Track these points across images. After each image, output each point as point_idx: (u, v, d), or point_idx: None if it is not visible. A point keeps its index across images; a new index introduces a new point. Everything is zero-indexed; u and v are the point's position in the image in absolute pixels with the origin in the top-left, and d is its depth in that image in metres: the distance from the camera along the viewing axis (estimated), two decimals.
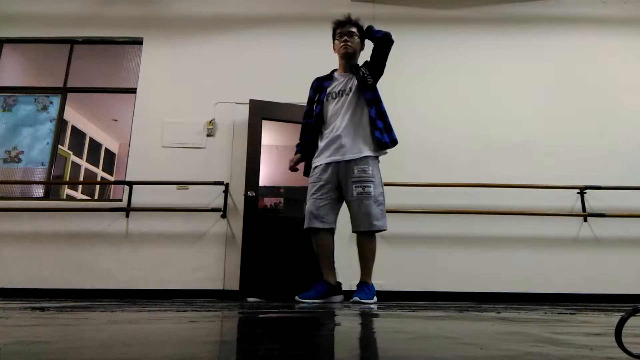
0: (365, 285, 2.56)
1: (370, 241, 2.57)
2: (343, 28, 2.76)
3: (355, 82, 2.68)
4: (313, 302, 2.52)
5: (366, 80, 2.62)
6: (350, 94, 2.67)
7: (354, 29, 2.76)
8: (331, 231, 2.67)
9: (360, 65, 2.74)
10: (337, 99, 2.71)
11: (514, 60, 4.55)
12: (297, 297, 2.58)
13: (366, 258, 2.58)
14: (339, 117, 2.65)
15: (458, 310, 1.91)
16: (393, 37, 2.65)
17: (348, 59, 2.75)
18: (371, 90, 2.64)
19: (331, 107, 2.71)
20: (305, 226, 2.67)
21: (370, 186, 2.51)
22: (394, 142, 2.67)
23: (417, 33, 4.65)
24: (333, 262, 2.70)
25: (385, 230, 2.55)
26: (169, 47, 4.59)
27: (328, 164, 2.62)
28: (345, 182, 2.57)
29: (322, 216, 2.61)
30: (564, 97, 4.42)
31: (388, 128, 2.66)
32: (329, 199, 2.62)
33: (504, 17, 4.69)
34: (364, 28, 2.80)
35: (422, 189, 4.06)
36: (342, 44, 2.73)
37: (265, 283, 3.74)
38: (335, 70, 2.88)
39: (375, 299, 2.57)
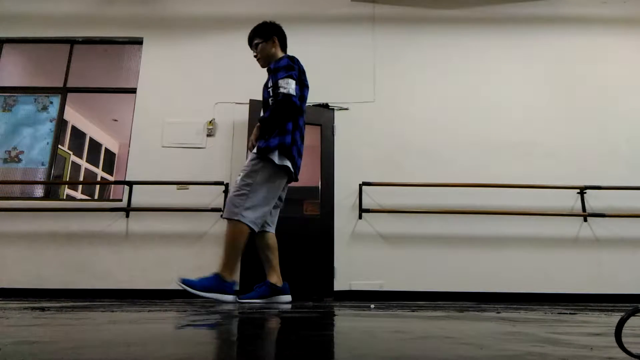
0: (215, 275, 2.45)
1: (229, 227, 2.47)
2: (250, 47, 2.85)
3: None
4: (255, 302, 2.50)
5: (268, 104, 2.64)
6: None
7: (256, 39, 2.80)
8: (264, 231, 2.66)
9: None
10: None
11: (514, 60, 4.55)
12: (237, 298, 2.55)
13: (224, 243, 2.50)
14: None
15: (458, 310, 1.91)
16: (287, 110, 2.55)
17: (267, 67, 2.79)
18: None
19: None
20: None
21: (240, 174, 2.54)
22: (279, 146, 2.53)
23: (417, 33, 4.65)
24: (273, 262, 2.67)
25: (235, 220, 2.44)
26: (169, 47, 4.59)
27: None
28: None
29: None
30: (564, 97, 4.42)
31: (281, 131, 2.55)
32: None
33: (503, 17, 4.69)
34: (267, 26, 2.84)
35: (422, 189, 4.06)
36: (256, 59, 2.83)
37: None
38: None
39: (216, 295, 2.42)
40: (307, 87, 2.75)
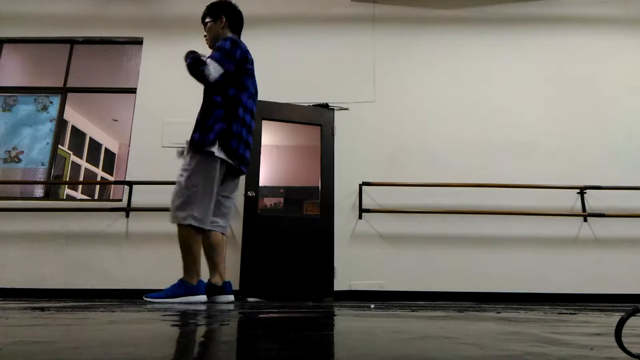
0: (179, 281, 2.46)
1: (179, 232, 2.45)
2: (203, 25, 2.75)
3: None
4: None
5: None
6: None
7: (206, 18, 2.71)
8: (209, 230, 2.61)
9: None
10: None
11: (514, 60, 4.55)
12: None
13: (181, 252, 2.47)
14: None
15: (458, 310, 1.91)
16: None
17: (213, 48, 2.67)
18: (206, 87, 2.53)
19: None
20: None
21: (182, 175, 2.45)
22: (198, 144, 2.43)
23: (417, 33, 4.65)
24: (215, 260, 2.63)
25: (181, 224, 2.40)
26: (169, 47, 4.59)
27: None
28: None
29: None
30: (564, 97, 4.42)
31: (204, 128, 2.45)
32: None
33: (504, 17, 4.69)
34: (216, 6, 2.72)
35: (422, 189, 4.06)
36: (205, 39, 2.75)
37: (265, 283, 3.74)
38: None
39: (182, 299, 2.40)
40: (252, 77, 2.65)
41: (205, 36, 2.74)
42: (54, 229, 4.01)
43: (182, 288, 2.45)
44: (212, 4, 2.73)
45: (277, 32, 4.65)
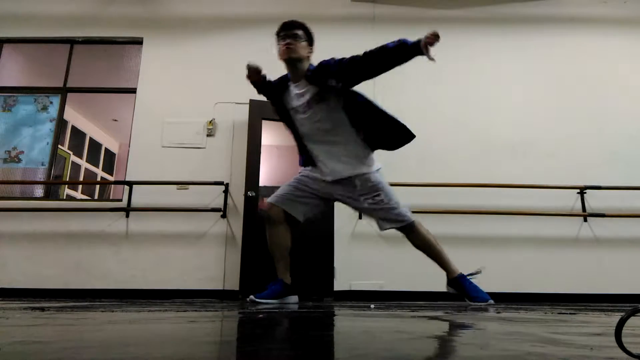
0: (461, 277, 2.70)
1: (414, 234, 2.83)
2: (286, 31, 2.50)
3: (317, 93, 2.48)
4: (269, 302, 2.52)
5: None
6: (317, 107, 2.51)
7: (300, 32, 2.51)
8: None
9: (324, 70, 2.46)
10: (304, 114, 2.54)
11: (514, 60, 4.55)
12: (252, 297, 2.58)
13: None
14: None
15: (458, 311, 1.91)
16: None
17: (292, 64, 2.51)
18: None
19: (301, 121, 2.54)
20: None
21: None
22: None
23: (417, 33, 4.60)
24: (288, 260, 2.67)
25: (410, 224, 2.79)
26: (169, 47, 4.59)
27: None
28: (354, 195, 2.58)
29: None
30: (564, 97, 4.42)
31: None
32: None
33: (504, 17, 4.69)
34: (312, 34, 2.60)
35: (422, 189, 4.05)
36: (283, 46, 2.46)
37: (265, 283, 3.73)
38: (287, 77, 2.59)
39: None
40: None
41: (288, 44, 2.49)
42: (54, 229, 4.01)
43: (469, 284, 2.60)
44: (308, 27, 2.60)
45: None
